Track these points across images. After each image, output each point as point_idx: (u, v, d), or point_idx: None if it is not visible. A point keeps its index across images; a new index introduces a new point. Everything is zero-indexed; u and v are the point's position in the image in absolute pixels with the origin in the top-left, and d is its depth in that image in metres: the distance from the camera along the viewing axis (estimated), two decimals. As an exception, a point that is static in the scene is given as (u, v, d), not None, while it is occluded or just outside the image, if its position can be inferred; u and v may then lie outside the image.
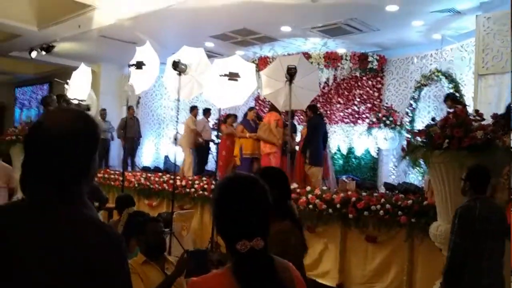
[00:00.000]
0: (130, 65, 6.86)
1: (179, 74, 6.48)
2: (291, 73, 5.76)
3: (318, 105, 10.49)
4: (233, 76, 6.19)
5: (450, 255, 3.26)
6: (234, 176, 1.49)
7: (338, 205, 5.61)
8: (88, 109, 7.13)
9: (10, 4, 8.58)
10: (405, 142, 4.74)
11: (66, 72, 11.11)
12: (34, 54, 10.41)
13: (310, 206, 5.86)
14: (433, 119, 4.48)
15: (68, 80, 8.31)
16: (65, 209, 1.19)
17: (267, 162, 7.66)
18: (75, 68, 8.68)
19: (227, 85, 6.28)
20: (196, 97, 8.59)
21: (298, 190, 6.16)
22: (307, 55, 9.17)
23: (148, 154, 12.81)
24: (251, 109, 9.17)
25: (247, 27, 8.61)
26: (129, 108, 9.95)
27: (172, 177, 7.52)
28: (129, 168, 10.26)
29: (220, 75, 6.20)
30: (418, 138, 4.59)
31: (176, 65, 6.41)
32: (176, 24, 8.42)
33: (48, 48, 10.10)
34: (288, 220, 2.34)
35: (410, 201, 5.12)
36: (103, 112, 10.66)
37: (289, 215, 2.38)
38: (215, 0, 7.04)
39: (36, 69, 14.19)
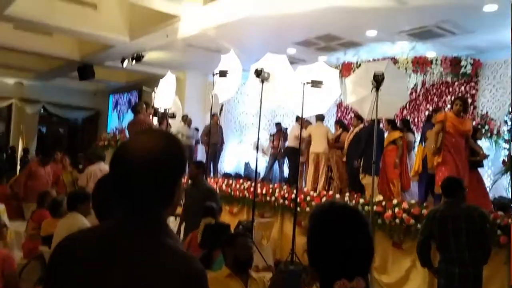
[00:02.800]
0: (214, 74, 6.97)
1: (262, 82, 6.46)
2: (378, 80, 5.48)
3: (405, 112, 10.04)
4: (316, 84, 6.03)
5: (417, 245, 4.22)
6: (334, 207, 1.35)
7: (428, 221, 5.24)
8: (174, 116, 7.34)
9: (106, 18, 9.13)
10: (503, 153, 4.34)
11: (154, 79, 11.63)
12: (125, 63, 10.97)
13: (397, 220, 5.55)
14: (541, 130, 4.04)
15: (155, 88, 8.64)
16: (147, 238, 1.13)
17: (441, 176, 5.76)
18: (162, 76, 9.03)
19: (310, 93, 6.14)
20: (278, 104, 8.50)
21: (383, 203, 5.86)
22: (394, 60, 8.77)
23: (230, 161, 12.99)
24: (437, 110, 7.36)
25: (331, 33, 8.41)
26: (213, 115, 10.14)
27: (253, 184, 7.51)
28: (211, 174, 10.44)
29: (303, 83, 6.08)
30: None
31: (259, 73, 6.39)
32: (259, 31, 8.44)
33: (138, 58, 10.58)
34: None
35: (511, 220, 4.65)
36: (187, 118, 10.96)
37: None
38: (299, 6, 6.94)
39: (127, 77, 15.02)
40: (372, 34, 8.31)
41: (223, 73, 6.75)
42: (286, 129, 11.73)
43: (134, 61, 10.73)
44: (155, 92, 8.59)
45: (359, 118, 7.94)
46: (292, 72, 6.68)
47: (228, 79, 6.87)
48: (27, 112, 16.58)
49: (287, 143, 9.89)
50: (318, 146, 8.19)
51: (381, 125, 7.98)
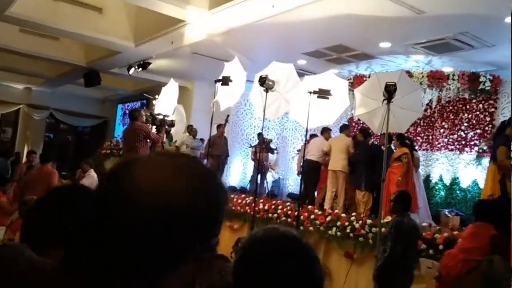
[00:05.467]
0: (216, 81, 6.63)
1: (266, 91, 6.10)
2: (389, 90, 5.07)
3: (419, 129, 9.59)
4: (323, 94, 5.65)
5: (388, 255, 4.32)
6: (268, 235, 1.00)
7: (440, 246, 4.78)
8: (172, 124, 6.99)
9: (111, 22, 8.90)
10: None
11: (161, 89, 11.34)
12: (131, 71, 10.71)
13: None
14: None
15: (157, 96, 8.34)
16: None
17: None
18: (170, 85, 8.75)
19: (317, 103, 5.74)
20: (282, 116, 8.08)
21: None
22: (408, 74, 8.34)
23: (236, 174, 12.59)
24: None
25: (343, 43, 8.03)
26: (219, 126, 9.79)
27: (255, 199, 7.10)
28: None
29: (309, 92, 5.69)
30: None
31: (263, 81, 6.04)
32: (268, 39, 8.11)
33: (145, 65, 10.32)
34: None
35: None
36: (193, 129, 10.61)
37: None
38: (309, 14, 6.59)
39: (135, 85, 14.77)
40: (386, 46, 7.92)
41: (225, 80, 6.40)
42: (271, 140, 11.24)
43: (140, 68, 10.47)
44: (156, 99, 8.28)
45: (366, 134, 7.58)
46: (298, 82, 6.31)
47: (231, 87, 6.52)
48: (34, 118, 16.43)
49: (307, 156, 8.96)
50: (336, 163, 7.50)
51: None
